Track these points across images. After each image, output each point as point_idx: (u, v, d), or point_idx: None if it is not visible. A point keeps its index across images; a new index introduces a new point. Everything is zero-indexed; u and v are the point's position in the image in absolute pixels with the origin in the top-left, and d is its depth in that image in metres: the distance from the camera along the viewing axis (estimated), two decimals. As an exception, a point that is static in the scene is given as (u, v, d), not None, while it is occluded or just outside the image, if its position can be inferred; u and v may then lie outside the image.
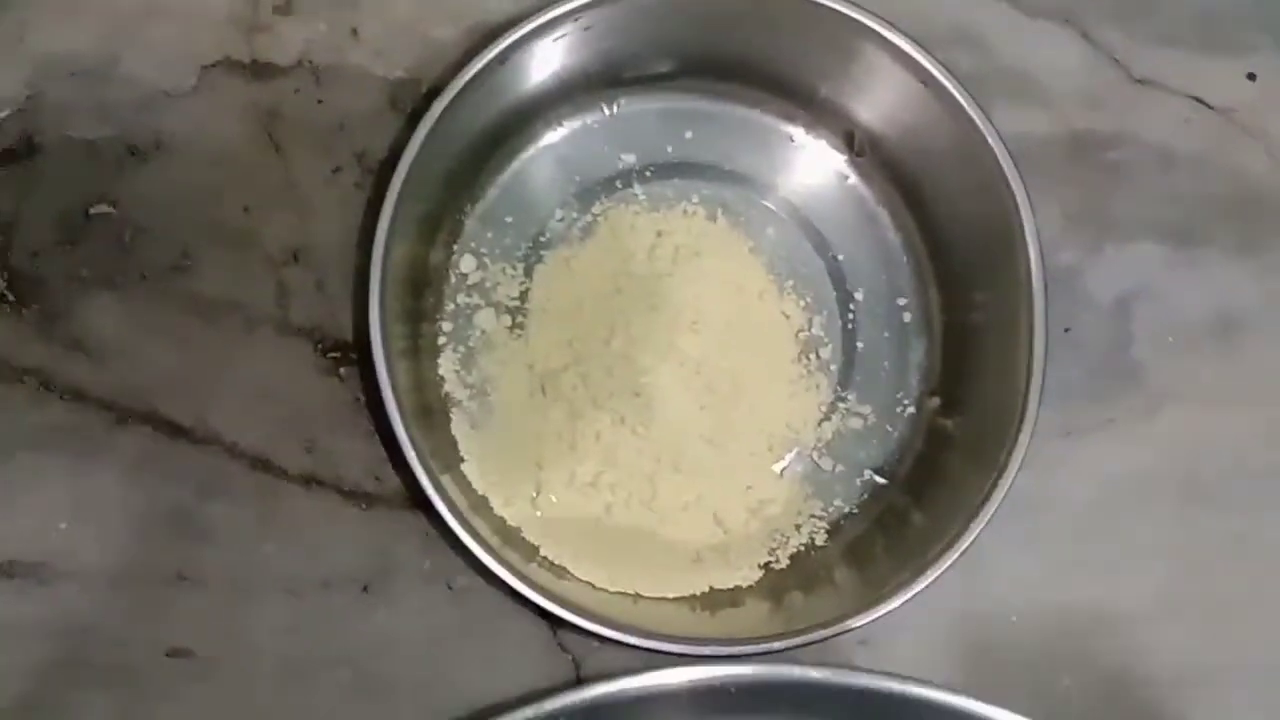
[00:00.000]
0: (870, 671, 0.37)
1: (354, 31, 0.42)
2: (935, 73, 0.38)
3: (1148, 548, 0.41)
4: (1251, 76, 0.45)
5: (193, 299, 0.39)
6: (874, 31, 0.38)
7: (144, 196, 0.40)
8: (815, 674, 0.36)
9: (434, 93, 0.40)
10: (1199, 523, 0.41)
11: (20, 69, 0.40)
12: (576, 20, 0.37)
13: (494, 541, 0.36)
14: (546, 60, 0.39)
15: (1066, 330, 0.42)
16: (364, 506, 0.39)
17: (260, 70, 0.41)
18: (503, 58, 0.36)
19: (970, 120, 0.38)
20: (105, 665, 0.37)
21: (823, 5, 0.38)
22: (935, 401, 0.41)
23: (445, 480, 0.36)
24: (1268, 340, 0.43)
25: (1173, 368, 0.42)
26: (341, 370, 0.39)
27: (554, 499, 0.39)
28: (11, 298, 0.39)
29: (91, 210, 0.40)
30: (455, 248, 0.41)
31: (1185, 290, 0.43)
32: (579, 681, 0.38)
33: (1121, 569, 0.41)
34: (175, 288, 0.39)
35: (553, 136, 0.41)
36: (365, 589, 0.38)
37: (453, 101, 0.36)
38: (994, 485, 0.36)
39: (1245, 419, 0.42)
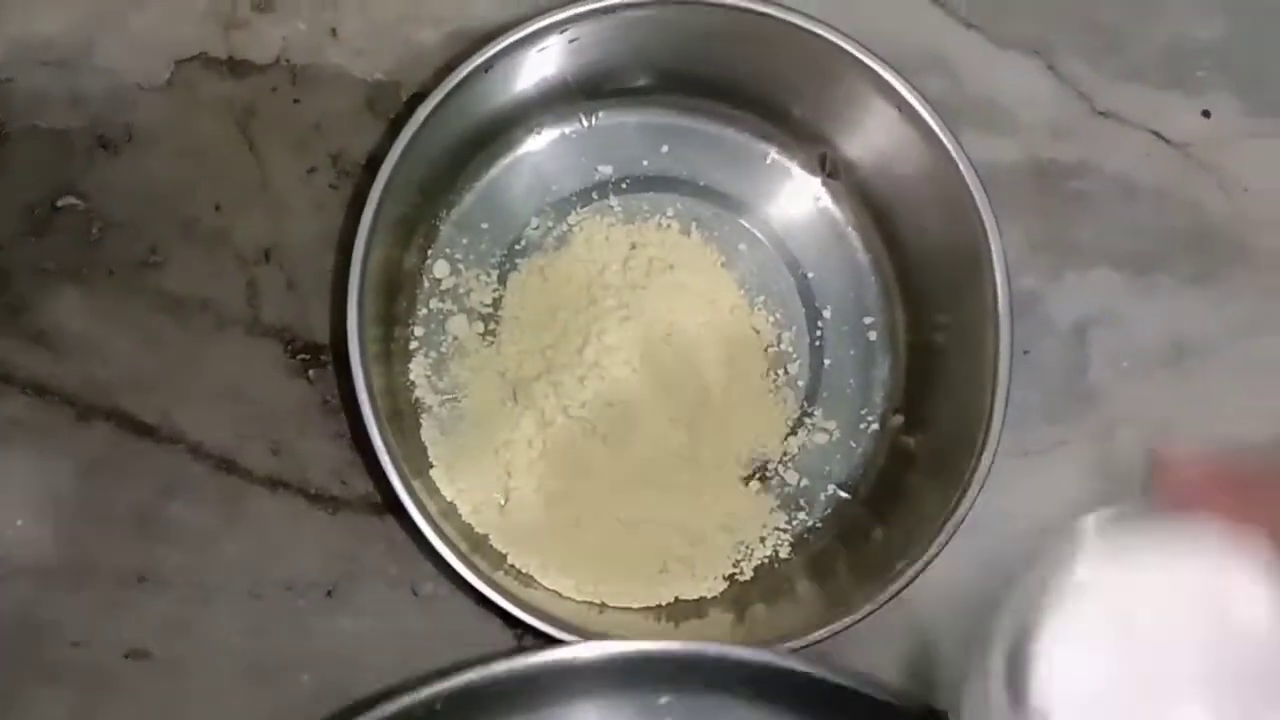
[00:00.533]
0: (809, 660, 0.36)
1: (333, 31, 0.41)
2: (910, 99, 0.39)
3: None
4: (1206, 114, 0.46)
5: (161, 296, 0.39)
6: (851, 56, 0.39)
7: (114, 190, 0.39)
8: (743, 654, 0.36)
9: (415, 97, 0.41)
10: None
11: (-9, 54, 0.39)
12: (563, 32, 0.37)
13: (463, 548, 0.36)
14: (530, 70, 0.39)
15: (1026, 353, 0.43)
16: (330, 510, 0.38)
17: (237, 67, 0.41)
18: (488, 65, 0.37)
19: (943, 146, 0.39)
20: (62, 664, 0.36)
21: (803, 29, 0.38)
22: (898, 419, 0.42)
23: (415, 486, 0.36)
24: (1219, 367, 0.44)
25: (1128, 392, 0.43)
26: (310, 372, 0.39)
27: (522, 507, 0.39)
28: (-26, 289, 0.38)
29: (59, 202, 0.39)
30: (430, 252, 0.41)
31: (1142, 317, 0.44)
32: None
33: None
34: (143, 284, 0.39)
35: (531, 145, 0.42)
36: (329, 593, 0.38)
37: (436, 107, 0.36)
38: (956, 504, 0.37)
39: (1196, 443, 0.43)
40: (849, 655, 0.39)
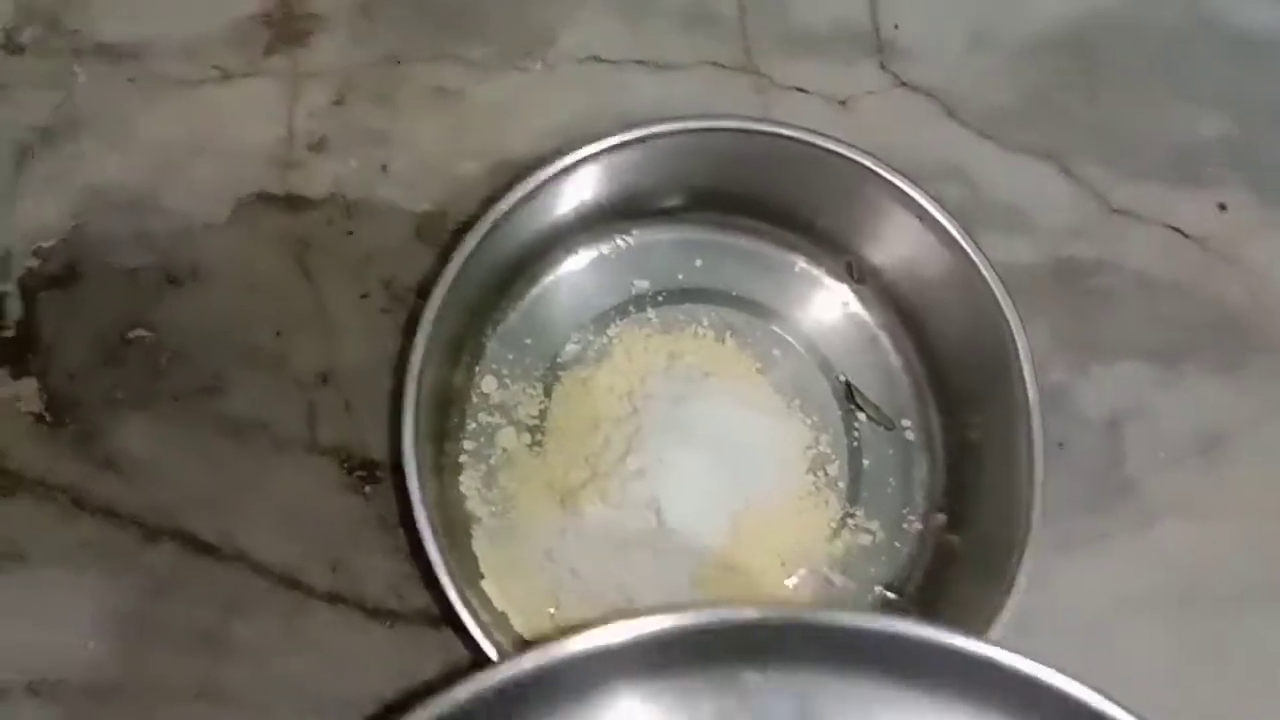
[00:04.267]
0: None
1: (383, 167, 0.44)
2: (929, 207, 0.41)
3: (1143, 659, 0.42)
4: (1223, 207, 0.48)
5: (224, 419, 0.41)
6: (871, 171, 0.41)
7: (180, 321, 0.41)
8: (753, 613, 0.34)
9: (461, 225, 0.43)
10: (1191, 635, 0.42)
11: (68, 200, 0.42)
12: (599, 161, 0.40)
13: (517, 657, 0.37)
14: (568, 196, 0.41)
15: (1060, 445, 0.43)
16: (388, 624, 0.39)
17: (294, 203, 0.43)
18: (530, 196, 0.39)
19: (963, 250, 0.41)
20: (127, 785, 0.37)
21: (823, 148, 0.41)
22: (941, 518, 0.42)
23: (468, 596, 0.37)
24: (1250, 455, 0.44)
25: (1164, 483, 0.44)
26: (367, 489, 0.41)
27: (573, 615, 0.40)
28: (49, 417, 0.40)
29: (130, 334, 0.41)
30: (477, 369, 0.42)
31: (1172, 407, 0.45)
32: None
33: (1117, 680, 0.41)
34: (206, 409, 0.41)
35: (570, 265, 0.44)
36: (388, 709, 0.39)
37: (484, 235, 0.38)
38: (1002, 602, 0.37)
39: (1233, 532, 0.44)
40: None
